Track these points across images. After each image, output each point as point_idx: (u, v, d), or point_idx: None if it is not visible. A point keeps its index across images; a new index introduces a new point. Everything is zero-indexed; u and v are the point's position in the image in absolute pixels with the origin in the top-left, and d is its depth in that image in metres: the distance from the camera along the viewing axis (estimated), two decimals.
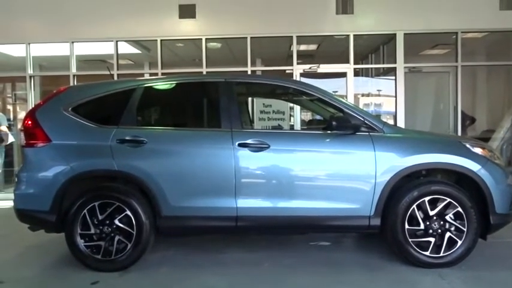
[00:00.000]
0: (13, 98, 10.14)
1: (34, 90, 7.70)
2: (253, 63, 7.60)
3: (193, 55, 8.08)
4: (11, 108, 10.42)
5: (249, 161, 3.55)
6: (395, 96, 7.21)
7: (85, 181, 3.62)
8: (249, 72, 7.19)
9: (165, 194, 3.51)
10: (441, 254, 3.45)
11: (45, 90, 7.98)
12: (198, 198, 3.54)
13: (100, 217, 3.50)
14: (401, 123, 7.01)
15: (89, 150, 3.60)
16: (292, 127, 7.34)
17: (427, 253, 3.46)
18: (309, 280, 3.33)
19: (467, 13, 6.94)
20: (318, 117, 6.83)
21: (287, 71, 7.66)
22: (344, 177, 3.58)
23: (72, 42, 7.42)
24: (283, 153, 3.59)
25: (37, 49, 7.66)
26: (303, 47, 8.18)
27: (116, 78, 6.94)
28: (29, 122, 3.67)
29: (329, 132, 3.59)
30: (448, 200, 3.45)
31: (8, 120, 8.36)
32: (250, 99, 6.59)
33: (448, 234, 3.45)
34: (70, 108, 3.69)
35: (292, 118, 7.57)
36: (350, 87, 7.27)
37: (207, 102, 4.34)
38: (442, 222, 3.46)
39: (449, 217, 3.46)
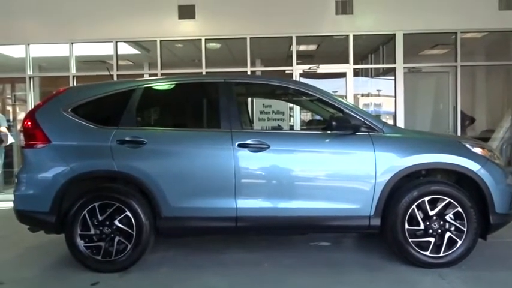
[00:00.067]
0: (13, 99, 10.13)
1: (34, 91, 7.70)
2: (252, 64, 7.61)
3: (193, 56, 8.08)
4: (10, 109, 10.42)
5: (249, 161, 3.55)
6: (395, 97, 7.22)
7: (85, 182, 3.62)
8: (249, 73, 7.19)
9: (165, 194, 3.51)
10: (441, 254, 3.45)
11: (45, 91, 7.98)
12: (198, 198, 3.54)
13: (100, 218, 3.50)
14: (400, 123, 7.02)
15: (89, 151, 3.60)
16: (292, 127, 7.34)
17: (427, 253, 3.46)
18: (309, 280, 3.33)
19: (466, 13, 6.95)
20: (317, 117, 6.84)
21: (287, 72, 7.68)
22: (344, 177, 3.57)
23: (72, 43, 7.43)
24: (283, 153, 3.59)
25: (36, 50, 7.66)
26: (302, 48, 8.18)
27: (115, 78, 6.93)
28: (29, 123, 3.67)
29: (329, 132, 3.59)
30: (448, 200, 3.45)
31: (8, 121, 8.35)
32: (249, 99, 6.59)
33: (448, 234, 3.45)
34: (70, 109, 3.69)
35: (291, 118, 7.57)
36: (349, 87, 7.28)
37: (206, 103, 4.34)
38: (442, 222, 3.46)
39: (449, 217, 3.46)
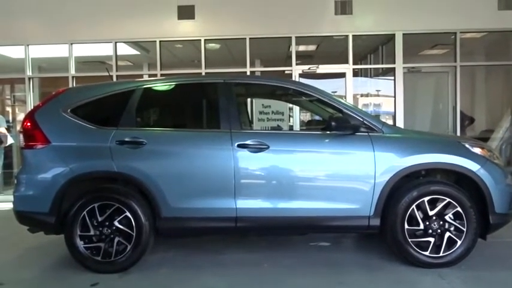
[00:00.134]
0: (12, 99, 10.13)
1: (33, 91, 7.70)
2: (252, 64, 7.61)
3: (192, 56, 8.08)
4: (10, 109, 10.41)
5: (249, 161, 3.55)
6: (394, 97, 7.23)
7: (84, 183, 3.62)
8: (248, 73, 7.19)
9: (165, 195, 3.51)
10: (441, 254, 3.46)
11: (44, 91, 7.98)
12: (198, 199, 3.54)
13: (99, 218, 3.50)
14: (400, 124, 7.02)
15: (88, 151, 3.60)
16: (291, 128, 7.34)
17: (427, 253, 3.46)
18: (308, 281, 3.33)
19: (465, 13, 6.95)
20: (317, 117, 6.83)
21: (286, 72, 7.68)
22: (343, 177, 3.58)
23: (71, 44, 7.43)
24: (283, 153, 3.59)
25: (36, 51, 7.66)
26: (302, 48, 8.18)
27: (115, 79, 6.93)
28: (28, 124, 3.67)
29: (328, 132, 3.59)
30: (448, 200, 3.45)
31: (7, 121, 8.33)
32: (249, 100, 6.59)
33: (447, 234, 3.45)
34: (69, 110, 3.69)
35: (291, 119, 7.57)
36: (349, 87, 7.28)
37: (206, 103, 4.34)
38: (441, 222, 3.46)
39: (448, 217, 3.46)
